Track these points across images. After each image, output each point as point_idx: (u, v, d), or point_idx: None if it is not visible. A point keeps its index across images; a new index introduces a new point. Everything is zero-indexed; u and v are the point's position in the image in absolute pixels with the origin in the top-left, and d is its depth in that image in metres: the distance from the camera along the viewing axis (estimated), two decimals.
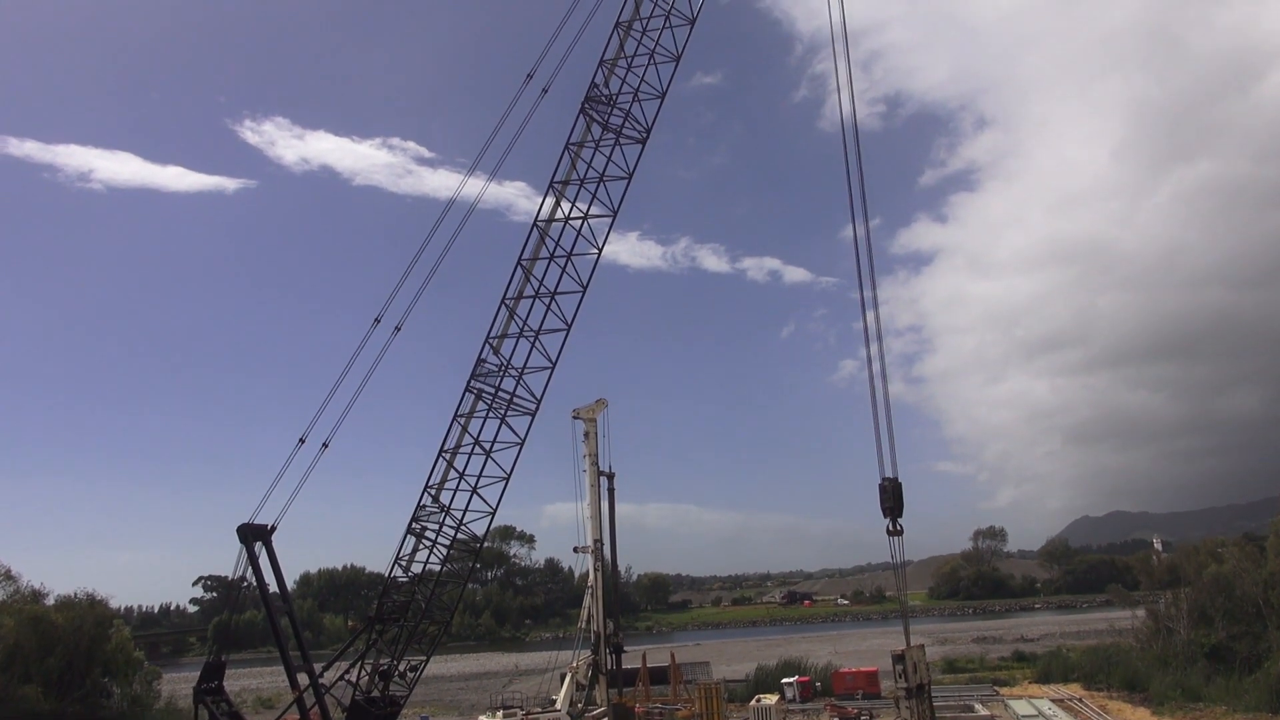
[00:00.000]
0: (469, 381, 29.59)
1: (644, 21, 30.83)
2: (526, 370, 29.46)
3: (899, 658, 24.07)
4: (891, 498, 24.75)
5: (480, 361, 29.67)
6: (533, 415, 29.57)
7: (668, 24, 30.94)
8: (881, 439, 25.10)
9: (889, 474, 24.91)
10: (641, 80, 30.64)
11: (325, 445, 29.99)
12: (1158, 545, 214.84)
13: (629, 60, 30.68)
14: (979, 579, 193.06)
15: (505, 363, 29.56)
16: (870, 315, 26.03)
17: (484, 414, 29.54)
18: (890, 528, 24.74)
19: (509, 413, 29.38)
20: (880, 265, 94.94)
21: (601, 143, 30.38)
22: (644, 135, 30.62)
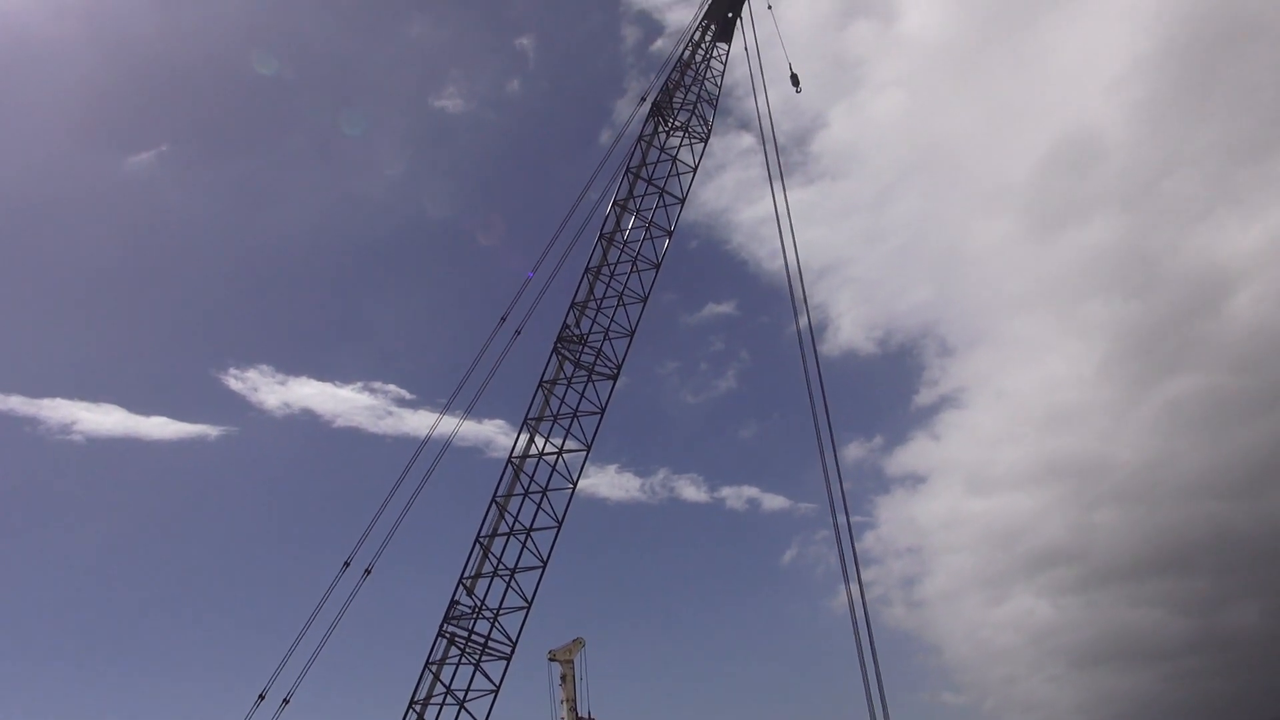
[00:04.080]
0: (441, 625, 28.51)
1: (611, 267, 32.57)
2: (502, 611, 28.56)
3: None
4: None
5: (454, 604, 28.75)
6: (508, 659, 28.32)
7: (635, 269, 32.70)
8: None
9: None
10: (611, 320, 31.95)
11: (286, 701, 28.46)
12: None
13: (599, 302, 32.13)
14: None
15: (479, 604, 28.67)
16: (855, 588, 24.92)
17: (457, 660, 28.27)
18: None
19: (483, 658, 28.16)
20: (878, 485, 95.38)
21: (574, 380, 31.21)
22: (615, 372, 31.54)
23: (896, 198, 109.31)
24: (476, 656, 28.09)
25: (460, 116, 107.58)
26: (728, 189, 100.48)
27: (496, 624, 28.39)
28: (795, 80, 38.23)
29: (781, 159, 34.71)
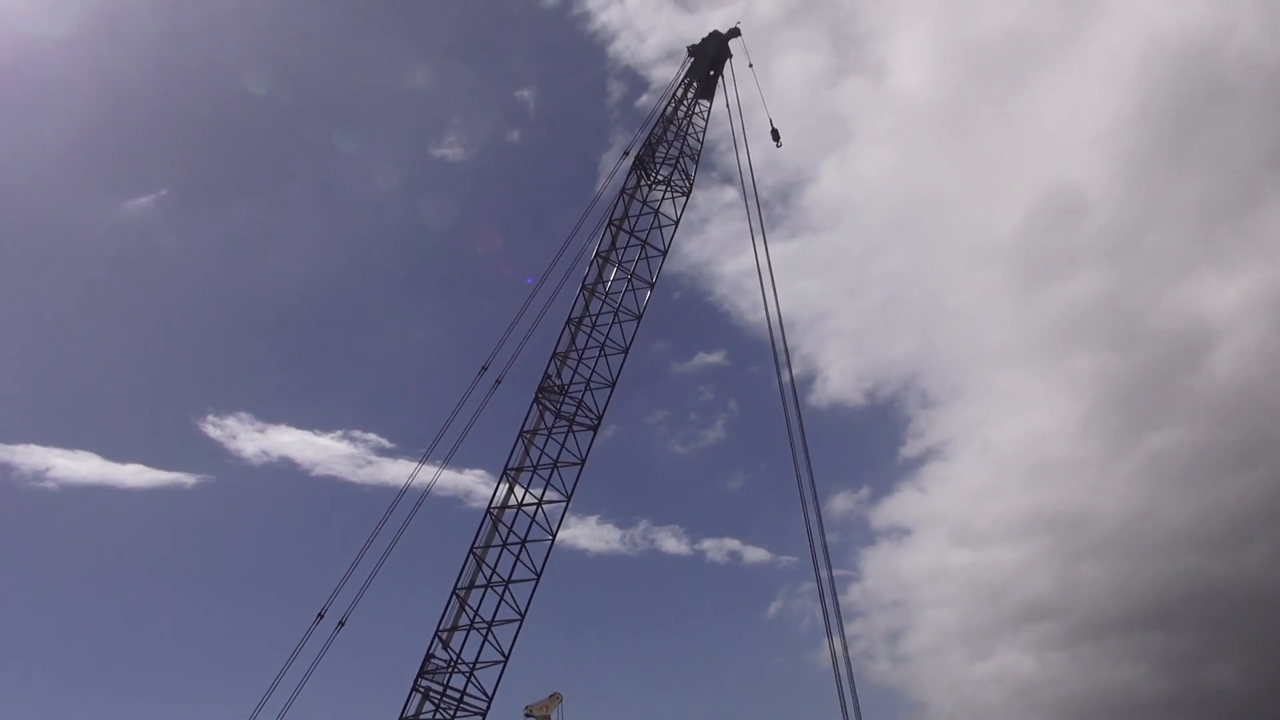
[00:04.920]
0: (416, 680, 28.03)
1: (593, 318, 32.71)
2: (478, 665, 28.13)
3: None
4: None
5: (429, 657, 28.32)
6: (484, 715, 27.85)
7: (616, 320, 32.85)
8: None
9: None
10: (593, 371, 32.01)
11: None
12: None
13: (580, 353, 32.20)
14: None
15: (455, 658, 28.25)
16: (837, 642, 25.14)
17: (431, 715, 27.76)
18: None
19: (458, 713, 27.65)
20: (864, 538, 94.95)
21: (554, 430, 31.14)
22: (595, 423, 31.50)
23: (884, 250, 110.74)
24: (451, 712, 27.60)
25: (459, 165, 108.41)
26: (712, 241, 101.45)
27: (472, 679, 27.94)
28: (776, 135, 38.97)
29: (765, 213, 35.26)
